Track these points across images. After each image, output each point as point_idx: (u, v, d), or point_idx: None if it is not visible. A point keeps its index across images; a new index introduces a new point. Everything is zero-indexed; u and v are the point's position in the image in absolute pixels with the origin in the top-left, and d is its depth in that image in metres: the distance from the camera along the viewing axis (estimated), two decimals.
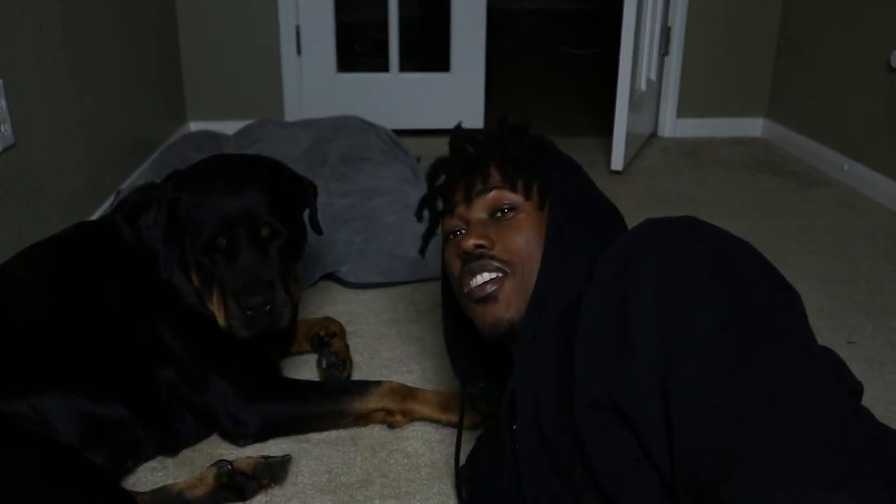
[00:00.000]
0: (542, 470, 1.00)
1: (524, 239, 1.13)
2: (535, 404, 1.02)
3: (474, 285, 1.14)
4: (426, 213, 1.31)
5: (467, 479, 1.27)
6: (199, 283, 1.45)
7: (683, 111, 3.60)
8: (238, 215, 1.41)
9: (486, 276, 1.13)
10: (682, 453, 0.75)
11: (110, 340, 1.40)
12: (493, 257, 1.13)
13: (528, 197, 1.16)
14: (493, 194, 1.17)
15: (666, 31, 3.43)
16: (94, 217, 2.30)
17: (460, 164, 1.22)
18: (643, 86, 3.22)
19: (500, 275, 1.13)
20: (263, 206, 1.43)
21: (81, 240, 1.54)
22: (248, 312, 1.39)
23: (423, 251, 1.38)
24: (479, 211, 1.18)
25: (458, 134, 1.27)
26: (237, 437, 1.47)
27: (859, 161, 2.94)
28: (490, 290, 1.13)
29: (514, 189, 1.16)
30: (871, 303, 2.06)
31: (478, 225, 1.16)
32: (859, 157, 2.94)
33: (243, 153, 1.65)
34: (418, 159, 3.01)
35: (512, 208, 1.16)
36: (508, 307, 1.12)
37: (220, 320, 1.43)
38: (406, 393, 1.54)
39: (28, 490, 1.04)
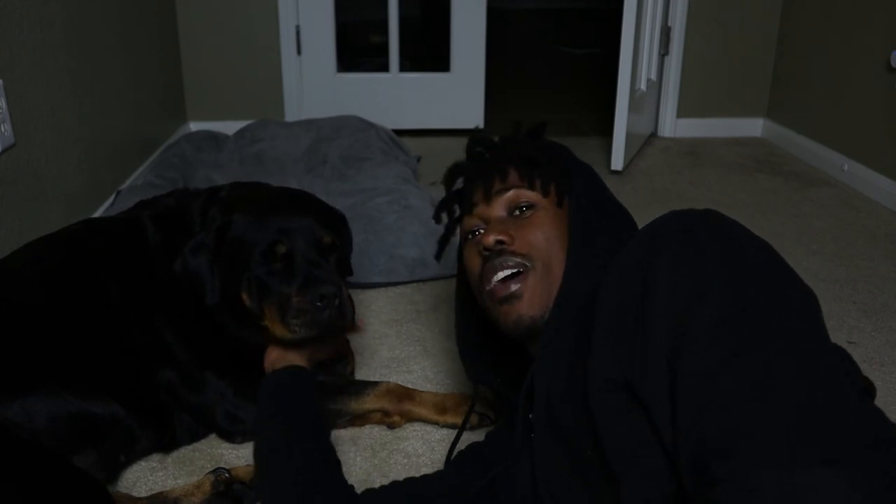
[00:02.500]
0: (555, 454, 1.03)
1: (544, 235, 1.14)
2: (548, 392, 1.05)
3: (496, 281, 1.15)
4: (444, 218, 1.33)
5: (457, 463, 1.28)
6: (251, 301, 1.41)
7: (683, 111, 3.60)
8: (297, 227, 1.41)
9: (508, 271, 1.14)
10: (684, 432, 0.78)
11: (110, 339, 1.39)
12: (513, 252, 1.14)
13: (545, 194, 1.18)
14: (511, 193, 1.19)
15: (666, 31, 3.43)
16: (96, 215, 2.30)
17: (478, 165, 1.25)
18: (643, 86, 3.22)
19: (521, 270, 1.14)
20: (319, 222, 1.44)
21: (93, 235, 1.53)
22: (319, 304, 1.35)
23: (438, 256, 1.40)
24: (498, 209, 1.20)
25: (474, 138, 1.29)
26: (234, 434, 1.47)
27: (859, 161, 2.94)
28: (514, 289, 1.13)
29: (531, 187, 1.18)
30: (871, 303, 2.06)
31: (497, 222, 1.18)
32: (859, 157, 2.94)
33: (285, 186, 1.67)
34: (418, 159, 3.01)
35: (530, 206, 1.18)
36: (532, 304, 1.13)
37: (279, 329, 1.38)
38: (403, 394, 1.54)
39: (9, 498, 1.03)
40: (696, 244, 0.86)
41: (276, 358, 1.39)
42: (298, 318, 1.35)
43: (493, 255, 1.15)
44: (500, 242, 1.14)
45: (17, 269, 1.45)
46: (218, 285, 1.43)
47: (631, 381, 0.88)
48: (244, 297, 1.41)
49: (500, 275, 1.14)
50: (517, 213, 1.18)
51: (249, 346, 1.45)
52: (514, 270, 1.14)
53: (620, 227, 1.19)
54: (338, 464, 1.22)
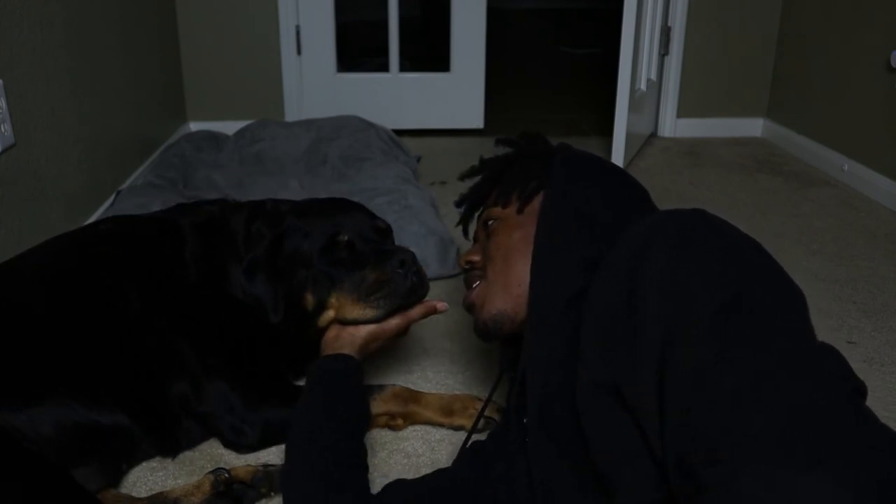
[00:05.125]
0: (549, 456, 1.03)
1: (496, 242, 1.23)
2: (542, 392, 1.05)
3: (465, 295, 1.29)
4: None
5: (462, 464, 1.28)
6: (314, 298, 1.38)
7: (683, 111, 3.60)
8: (352, 220, 1.43)
9: (474, 283, 1.26)
10: (671, 435, 0.77)
11: (123, 346, 1.37)
12: (479, 267, 1.27)
13: (504, 206, 1.26)
14: (484, 215, 1.31)
15: (666, 31, 3.43)
16: (99, 216, 2.30)
17: (468, 197, 1.40)
18: (643, 86, 3.22)
19: (479, 281, 1.26)
20: (369, 214, 1.47)
21: (121, 238, 1.51)
22: (400, 269, 1.33)
23: None
24: (480, 230, 1.32)
25: (474, 167, 1.41)
26: (238, 446, 1.45)
27: (859, 161, 2.94)
28: (469, 300, 1.27)
29: (496, 204, 1.28)
30: (871, 303, 2.06)
31: (477, 243, 1.32)
32: (859, 157, 2.94)
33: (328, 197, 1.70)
34: (418, 159, 3.01)
35: (494, 220, 1.28)
36: (482, 308, 1.22)
37: (353, 311, 1.34)
38: (409, 397, 1.53)
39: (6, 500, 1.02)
40: (689, 245, 0.86)
41: (331, 339, 1.35)
42: (380, 291, 1.33)
43: (468, 271, 1.29)
44: (469, 262, 1.29)
45: (35, 271, 1.42)
46: (281, 301, 1.40)
47: (620, 384, 0.87)
48: (308, 297, 1.39)
49: (471, 287, 1.27)
50: (487, 230, 1.29)
51: (304, 358, 1.44)
52: (477, 282, 1.26)
53: (613, 216, 1.16)
54: (366, 468, 1.20)
